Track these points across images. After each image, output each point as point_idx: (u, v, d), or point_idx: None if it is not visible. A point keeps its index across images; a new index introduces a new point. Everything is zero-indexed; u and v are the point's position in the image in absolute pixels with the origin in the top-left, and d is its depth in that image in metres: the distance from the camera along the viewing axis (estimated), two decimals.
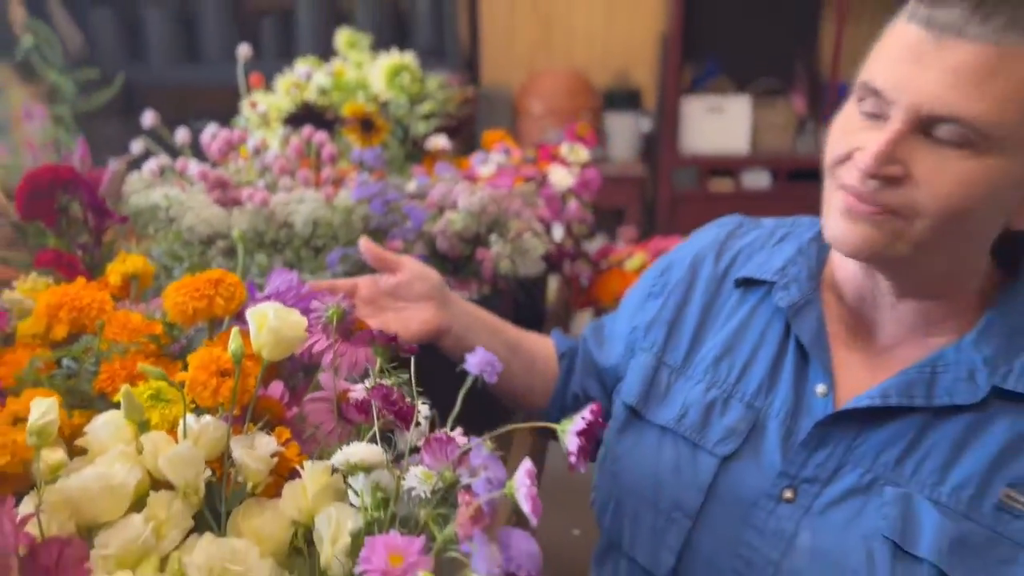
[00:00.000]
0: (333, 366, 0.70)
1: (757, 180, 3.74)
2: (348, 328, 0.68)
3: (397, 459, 0.62)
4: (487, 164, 1.40)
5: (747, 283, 0.89)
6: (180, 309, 0.75)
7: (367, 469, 0.59)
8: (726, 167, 3.75)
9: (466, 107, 1.57)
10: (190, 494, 0.62)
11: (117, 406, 0.67)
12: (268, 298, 0.82)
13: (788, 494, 0.77)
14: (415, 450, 0.61)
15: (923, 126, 0.68)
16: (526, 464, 0.53)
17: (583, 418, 0.56)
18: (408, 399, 0.64)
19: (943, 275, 0.76)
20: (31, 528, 0.57)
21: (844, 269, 0.83)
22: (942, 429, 0.73)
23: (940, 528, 0.69)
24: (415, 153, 1.53)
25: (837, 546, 0.72)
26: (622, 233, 1.77)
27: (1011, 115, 0.65)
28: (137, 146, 1.37)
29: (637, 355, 0.93)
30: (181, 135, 1.30)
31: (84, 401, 0.75)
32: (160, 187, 1.17)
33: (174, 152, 1.33)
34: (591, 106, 3.72)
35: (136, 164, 1.32)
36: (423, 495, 0.56)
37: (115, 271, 0.89)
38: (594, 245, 1.67)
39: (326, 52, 1.74)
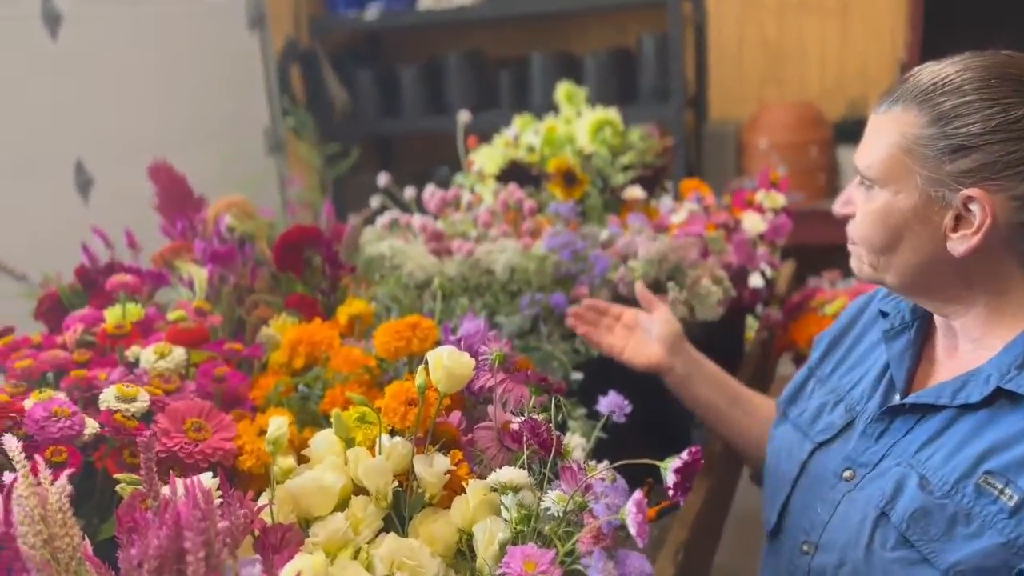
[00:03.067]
0: (500, 400, 0.83)
1: None
2: (509, 368, 0.81)
3: (549, 482, 0.73)
4: (678, 212, 1.48)
5: (882, 315, 1.03)
6: (385, 347, 0.92)
7: (514, 489, 0.71)
8: None
9: (663, 156, 1.66)
10: (380, 499, 0.77)
11: None
12: (459, 341, 0.97)
13: (847, 474, 0.93)
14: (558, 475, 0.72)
15: (861, 179, 0.92)
16: (636, 495, 0.62)
17: (681, 457, 0.64)
18: (554, 431, 0.75)
19: (933, 295, 0.91)
20: (264, 516, 0.74)
21: None
22: (958, 425, 0.86)
23: (912, 500, 0.84)
24: (613, 202, 1.64)
25: (854, 511, 0.90)
26: (826, 275, 1.76)
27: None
28: (375, 201, 1.60)
29: (802, 369, 1.12)
30: (408, 192, 1.51)
31: (312, 419, 0.94)
32: (388, 239, 1.37)
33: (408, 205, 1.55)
34: (821, 139, 3.62)
35: (378, 214, 1.55)
36: (556, 514, 0.67)
37: (343, 313, 1.09)
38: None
39: (554, 99, 1.89)
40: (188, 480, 0.64)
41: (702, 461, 0.65)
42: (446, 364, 0.77)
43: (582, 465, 0.69)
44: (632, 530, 0.61)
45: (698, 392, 1.16)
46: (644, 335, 1.17)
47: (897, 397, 0.95)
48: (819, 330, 1.54)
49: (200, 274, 1.22)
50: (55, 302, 1.16)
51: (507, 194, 1.43)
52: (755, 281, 1.59)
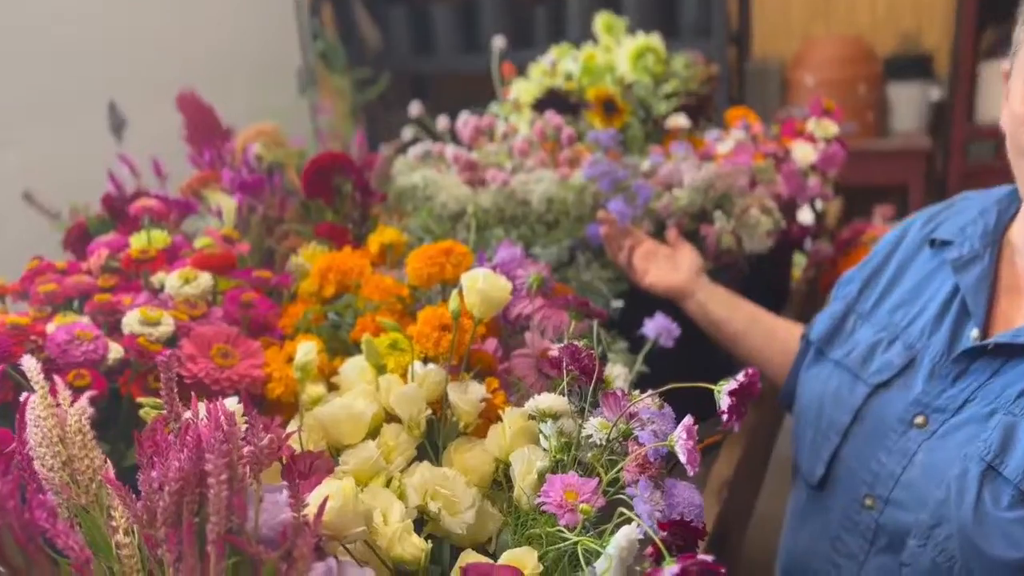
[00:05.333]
0: (539, 327, 0.78)
1: None
2: (547, 293, 0.76)
3: (591, 409, 0.69)
4: (724, 141, 1.41)
5: (940, 244, 0.95)
6: (417, 273, 0.88)
7: (554, 416, 0.67)
8: None
9: (708, 85, 1.58)
10: (413, 428, 0.74)
11: None
12: (495, 268, 0.92)
13: (919, 420, 0.85)
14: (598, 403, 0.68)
15: None
16: (686, 421, 0.58)
17: (736, 379, 0.60)
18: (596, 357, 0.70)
19: None
20: (293, 443, 0.71)
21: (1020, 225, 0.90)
22: None
23: None
24: (655, 133, 1.57)
25: (943, 462, 0.81)
26: (878, 211, 1.69)
27: None
28: (408, 133, 1.55)
29: (831, 304, 1.04)
30: (441, 122, 1.45)
31: (343, 348, 0.91)
32: (421, 169, 1.32)
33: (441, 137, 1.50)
34: (870, 75, 3.47)
35: (410, 145, 1.50)
36: (599, 442, 0.63)
37: (374, 241, 1.05)
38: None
39: (592, 35, 1.81)
40: (210, 403, 0.60)
41: (759, 384, 0.60)
42: (481, 287, 0.73)
43: (625, 391, 0.65)
44: (682, 457, 0.56)
45: (717, 315, 1.14)
46: (665, 263, 1.16)
47: (975, 333, 0.86)
48: None
49: (228, 204, 1.18)
50: (82, 232, 1.13)
51: (544, 122, 1.37)
52: (804, 216, 1.52)
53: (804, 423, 0.98)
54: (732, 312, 1.14)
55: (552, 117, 1.36)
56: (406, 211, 1.24)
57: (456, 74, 3.82)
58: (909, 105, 3.55)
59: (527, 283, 0.76)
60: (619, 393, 0.64)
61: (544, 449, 0.69)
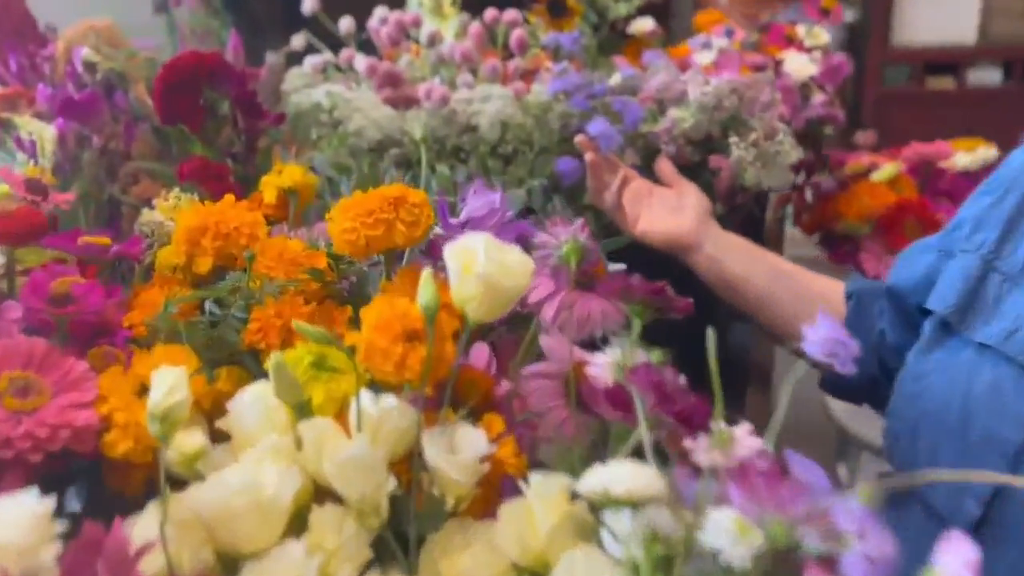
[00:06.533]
0: (558, 324, 0.48)
1: (986, 76, 3.25)
2: (588, 273, 0.46)
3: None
4: (708, 50, 1.13)
5: None
6: (349, 239, 0.55)
7: (635, 504, 0.37)
8: (948, 61, 3.25)
9: None
10: (368, 514, 0.43)
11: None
12: (464, 225, 0.61)
13: None
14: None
15: None
16: (969, 551, 0.29)
17: None
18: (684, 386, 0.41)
19: None
20: (152, 561, 0.39)
21: None
22: None
23: None
24: (611, 42, 1.27)
25: None
26: (859, 137, 1.45)
27: None
28: (298, 40, 1.18)
29: (956, 257, 0.73)
30: (345, 24, 1.10)
31: (231, 356, 0.58)
32: (323, 85, 0.98)
33: (340, 49, 1.14)
34: None
35: (297, 61, 1.14)
36: (733, 562, 0.34)
37: (269, 184, 0.71)
38: None
39: None
40: None
41: None
42: (483, 270, 0.42)
43: (784, 464, 0.36)
44: None
45: (733, 273, 0.87)
46: (662, 205, 0.90)
47: None
48: (875, 201, 1.23)
49: (46, 133, 0.82)
50: None
51: (486, 23, 1.04)
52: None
53: (938, 433, 0.68)
54: (751, 267, 0.86)
55: (502, 13, 1.03)
56: (308, 142, 0.90)
57: None
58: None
59: (558, 257, 0.46)
60: (772, 463, 0.34)
61: (609, 554, 0.39)
